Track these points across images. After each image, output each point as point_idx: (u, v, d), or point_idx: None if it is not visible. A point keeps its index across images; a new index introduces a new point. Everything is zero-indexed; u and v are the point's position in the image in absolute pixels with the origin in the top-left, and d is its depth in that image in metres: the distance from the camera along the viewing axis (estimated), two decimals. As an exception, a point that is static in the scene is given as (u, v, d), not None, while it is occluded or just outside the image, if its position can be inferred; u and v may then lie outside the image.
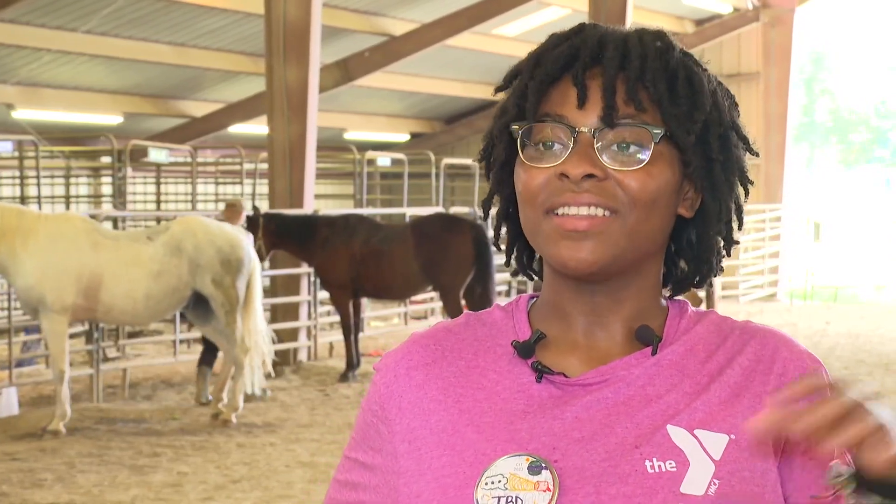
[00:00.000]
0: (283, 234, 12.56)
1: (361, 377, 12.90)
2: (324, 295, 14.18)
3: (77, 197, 17.91)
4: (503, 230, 1.53)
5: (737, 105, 1.49)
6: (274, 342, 11.24)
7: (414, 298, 15.25)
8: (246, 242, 10.35)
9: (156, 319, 10.83)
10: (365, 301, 13.80)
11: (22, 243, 9.63)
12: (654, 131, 1.39)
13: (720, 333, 1.46)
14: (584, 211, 1.38)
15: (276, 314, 14.24)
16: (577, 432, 1.38)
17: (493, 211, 1.53)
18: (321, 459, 9.06)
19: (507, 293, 17.19)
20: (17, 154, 16.08)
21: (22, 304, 10.30)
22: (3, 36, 16.35)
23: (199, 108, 21.47)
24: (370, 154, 18.34)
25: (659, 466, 1.35)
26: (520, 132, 1.42)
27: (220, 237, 10.09)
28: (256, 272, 10.37)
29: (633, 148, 1.38)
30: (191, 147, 17.34)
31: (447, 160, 19.12)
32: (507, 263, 1.55)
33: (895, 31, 39.84)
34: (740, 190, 1.49)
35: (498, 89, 1.49)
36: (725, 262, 1.53)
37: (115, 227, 12.98)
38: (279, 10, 13.80)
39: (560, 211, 1.38)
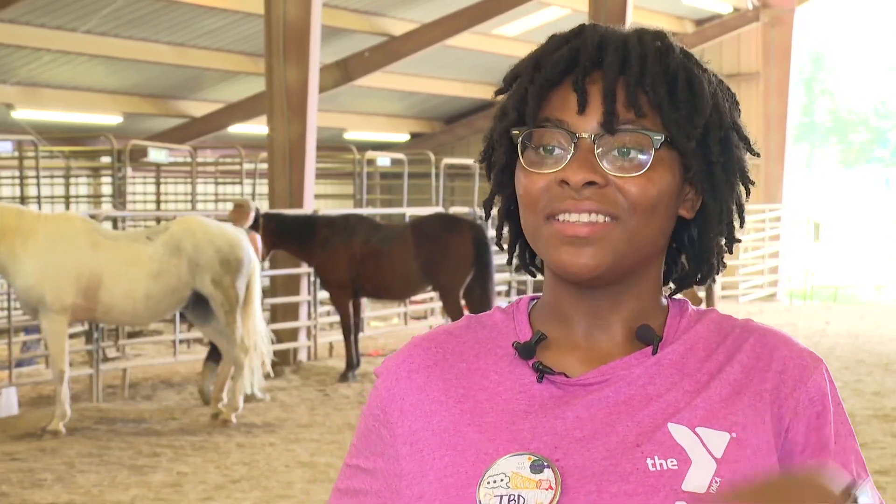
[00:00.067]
0: (282, 234, 12.55)
1: (361, 377, 12.91)
2: (324, 295, 14.18)
3: (77, 197, 17.91)
4: (505, 229, 1.53)
5: (738, 104, 1.49)
6: (273, 342, 11.24)
7: (414, 298, 15.25)
8: (246, 242, 10.35)
9: (155, 319, 10.82)
10: (365, 301, 13.80)
11: (21, 243, 9.63)
12: (655, 137, 1.39)
13: (720, 332, 1.46)
14: (584, 218, 1.38)
15: (275, 314, 14.24)
16: (579, 431, 1.39)
17: (494, 211, 1.53)
18: (321, 459, 9.06)
19: (507, 293, 17.20)
20: (16, 154, 16.08)
21: (21, 305, 10.30)
22: (3, 36, 16.35)
23: (198, 108, 21.47)
24: (370, 154, 18.34)
25: (660, 464, 1.36)
26: (520, 137, 1.42)
27: (219, 237, 10.09)
28: (256, 272, 10.36)
29: (633, 153, 1.39)
30: (190, 147, 17.34)
31: (447, 160, 19.11)
32: (510, 261, 1.55)
33: (895, 31, 39.84)
34: (741, 189, 1.49)
35: (498, 92, 1.49)
36: (725, 262, 1.54)
37: (115, 227, 12.97)
38: (279, 10, 13.80)
39: (561, 217, 1.39)
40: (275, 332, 12.09)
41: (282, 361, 13.30)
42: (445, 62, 22.33)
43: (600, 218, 1.38)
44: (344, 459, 1.53)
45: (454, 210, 16.50)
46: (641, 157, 1.39)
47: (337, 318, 13.92)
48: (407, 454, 1.44)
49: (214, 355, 11.34)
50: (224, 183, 19.77)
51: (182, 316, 11.61)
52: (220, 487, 8.23)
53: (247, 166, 17.11)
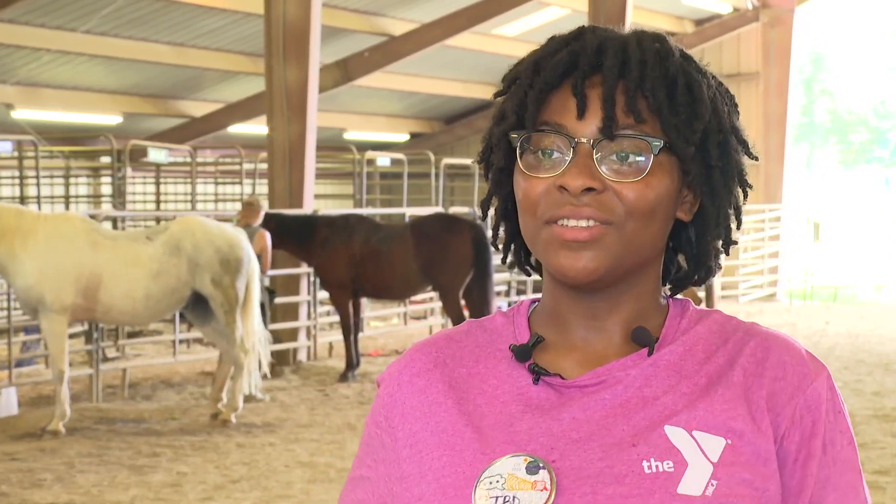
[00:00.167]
0: (282, 234, 12.55)
1: (361, 377, 12.91)
2: (323, 295, 14.18)
3: (76, 197, 17.91)
4: (501, 228, 1.53)
5: (736, 107, 1.49)
6: (271, 343, 11.24)
7: (413, 298, 15.25)
8: (245, 242, 10.34)
9: (155, 319, 10.82)
10: (364, 301, 13.81)
11: (21, 243, 9.63)
12: (654, 143, 1.39)
13: (722, 334, 1.45)
14: (583, 223, 1.38)
15: (275, 314, 14.24)
16: (575, 433, 1.39)
17: (492, 211, 1.54)
18: (320, 459, 9.07)
19: (507, 293, 17.20)
20: (16, 154, 16.08)
21: (21, 305, 10.30)
22: (3, 36, 16.35)
23: (198, 108, 21.47)
24: (370, 154, 18.34)
25: (656, 467, 1.36)
26: (519, 141, 1.42)
27: (219, 237, 10.09)
28: (255, 272, 10.36)
29: (632, 158, 1.39)
30: (190, 147, 17.35)
31: (447, 160, 19.12)
32: (504, 260, 1.55)
33: (895, 31, 39.84)
34: (739, 192, 1.49)
35: (497, 94, 1.49)
36: (725, 262, 1.54)
37: (115, 227, 12.97)
38: (279, 10, 13.80)
39: (560, 222, 1.39)
40: (274, 332, 12.09)
41: (281, 361, 13.30)
42: (445, 62, 22.33)
43: (599, 223, 1.38)
44: (347, 476, 1.54)
45: (454, 210, 16.50)
46: (640, 162, 1.39)
47: (337, 318, 13.92)
48: (407, 456, 1.45)
49: None
50: (224, 183, 19.78)
51: (182, 316, 11.62)
52: (219, 487, 8.23)
53: (246, 166, 17.11)
